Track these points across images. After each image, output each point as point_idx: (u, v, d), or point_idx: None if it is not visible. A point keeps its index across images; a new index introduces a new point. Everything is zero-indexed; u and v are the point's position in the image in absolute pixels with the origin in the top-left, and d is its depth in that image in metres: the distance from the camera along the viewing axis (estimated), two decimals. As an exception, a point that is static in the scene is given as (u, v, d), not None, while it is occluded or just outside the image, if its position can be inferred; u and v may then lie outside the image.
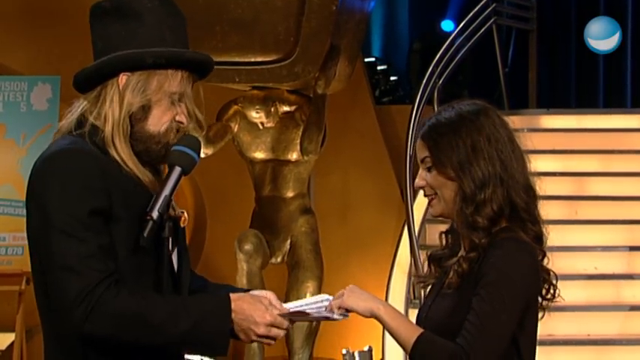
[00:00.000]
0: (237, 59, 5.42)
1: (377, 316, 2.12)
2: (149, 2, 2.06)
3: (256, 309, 2.02)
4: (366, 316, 2.13)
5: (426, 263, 2.31)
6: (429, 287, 2.31)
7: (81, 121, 2.04)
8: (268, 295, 2.10)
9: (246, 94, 5.83)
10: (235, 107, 5.81)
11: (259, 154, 5.82)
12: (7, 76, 6.08)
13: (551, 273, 2.19)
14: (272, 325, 2.03)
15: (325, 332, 6.09)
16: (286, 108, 5.78)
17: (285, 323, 2.06)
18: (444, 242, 2.29)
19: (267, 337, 2.04)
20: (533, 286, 2.13)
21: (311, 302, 2.15)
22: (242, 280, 5.45)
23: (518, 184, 2.15)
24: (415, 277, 2.33)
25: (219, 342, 1.98)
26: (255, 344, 5.69)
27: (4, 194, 5.58)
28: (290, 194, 5.81)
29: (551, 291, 2.18)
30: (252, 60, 5.45)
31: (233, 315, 1.99)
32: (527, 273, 2.11)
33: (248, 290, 2.21)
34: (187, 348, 2.04)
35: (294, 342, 5.87)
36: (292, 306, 2.11)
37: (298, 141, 5.67)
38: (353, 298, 2.13)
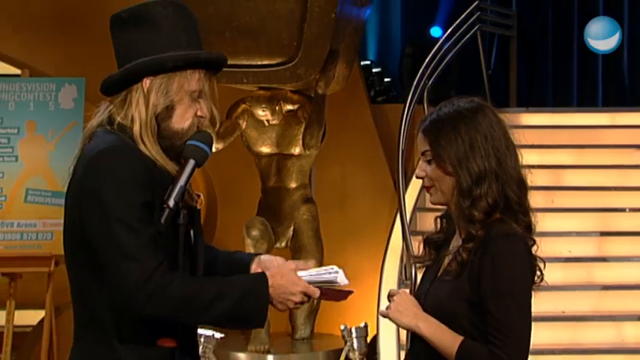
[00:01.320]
0: (245, 62, 5.42)
1: (417, 333, 2.11)
2: (163, 9, 2.05)
3: (291, 282, 2.03)
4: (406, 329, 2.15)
5: (421, 246, 2.29)
6: (424, 269, 2.29)
7: (110, 122, 2.04)
8: (288, 264, 2.13)
9: (253, 94, 5.83)
10: (243, 106, 5.81)
11: (265, 149, 5.81)
12: (37, 78, 6.08)
13: (539, 260, 2.17)
14: (305, 294, 2.05)
15: (325, 310, 6.09)
16: (290, 107, 5.77)
17: (317, 292, 2.06)
18: (438, 226, 2.26)
19: (301, 303, 2.06)
20: (532, 275, 2.13)
21: (321, 272, 2.13)
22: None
23: (512, 178, 2.13)
24: (412, 258, 2.31)
25: (259, 317, 2.01)
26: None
27: (35, 184, 5.59)
28: (293, 185, 5.81)
29: (539, 275, 2.17)
30: (259, 63, 5.45)
31: (271, 290, 2.01)
32: (527, 266, 2.10)
33: (257, 254, 2.23)
34: (230, 324, 2.04)
35: (297, 319, 5.88)
36: (305, 274, 2.10)
37: (301, 137, 5.66)
38: (397, 314, 2.13)
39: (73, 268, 2.04)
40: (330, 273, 2.12)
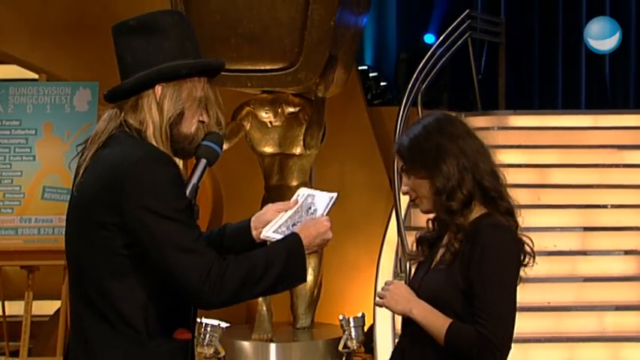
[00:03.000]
0: (249, 67, 5.41)
1: (410, 317, 2.16)
2: (170, 18, 2.04)
3: (317, 227, 2.08)
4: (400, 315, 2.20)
5: (414, 243, 2.33)
6: (417, 264, 2.33)
7: (127, 126, 2.00)
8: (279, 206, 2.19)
9: (256, 97, 5.82)
10: (247, 108, 5.81)
11: (268, 149, 5.81)
12: (53, 82, 6.08)
13: (528, 243, 2.21)
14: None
15: (325, 300, 6.10)
16: (291, 109, 5.77)
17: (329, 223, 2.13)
18: (430, 227, 2.30)
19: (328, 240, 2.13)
20: (519, 263, 2.16)
21: (298, 208, 2.17)
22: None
23: (484, 171, 2.17)
24: (407, 255, 2.37)
25: (303, 273, 2.05)
26: (264, 311, 5.70)
27: (52, 182, 5.58)
28: (294, 183, 5.81)
29: (528, 258, 2.21)
30: (262, 68, 5.44)
31: (305, 243, 2.05)
32: (514, 251, 2.14)
33: (249, 219, 2.24)
34: (280, 287, 2.05)
35: (298, 309, 5.88)
36: (286, 217, 2.16)
37: (302, 137, 5.66)
38: (392, 302, 2.18)
39: (93, 271, 1.97)
40: (305, 197, 2.18)
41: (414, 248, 2.32)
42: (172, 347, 1.98)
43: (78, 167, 2.04)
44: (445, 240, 2.21)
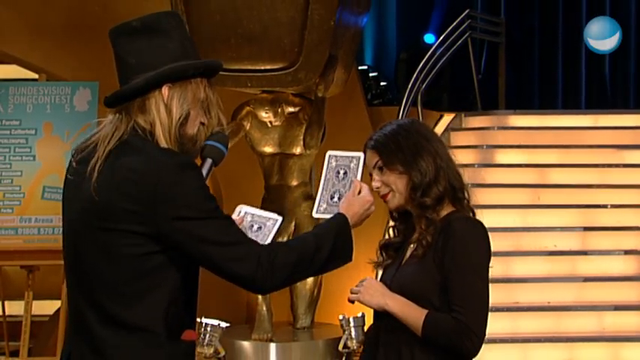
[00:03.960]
0: (249, 67, 5.41)
1: (386, 310, 2.21)
2: (172, 20, 2.04)
3: (361, 202, 2.19)
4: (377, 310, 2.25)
5: (378, 251, 2.45)
6: (383, 268, 2.41)
7: (140, 129, 1.98)
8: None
9: (256, 97, 5.82)
10: (247, 108, 5.80)
11: (268, 149, 5.81)
12: (53, 82, 6.08)
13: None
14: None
15: (325, 300, 6.09)
16: (291, 109, 5.77)
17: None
18: (392, 235, 2.40)
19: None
20: (490, 252, 2.22)
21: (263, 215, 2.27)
22: (281, 218, 5.41)
23: (452, 170, 2.28)
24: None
25: (350, 252, 2.14)
26: (264, 311, 5.70)
27: (51, 182, 5.58)
28: (294, 183, 5.81)
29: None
30: (262, 68, 5.44)
31: (352, 222, 2.15)
32: (486, 243, 2.21)
33: None
34: (330, 267, 2.11)
35: (298, 309, 5.88)
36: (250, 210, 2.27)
37: (301, 137, 5.66)
38: (367, 296, 2.27)
39: (105, 275, 1.94)
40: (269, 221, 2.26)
41: (378, 256, 2.41)
42: (186, 348, 1.99)
43: (78, 171, 1.99)
44: (415, 236, 2.28)
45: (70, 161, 2.06)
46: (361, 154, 2.28)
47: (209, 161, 2.06)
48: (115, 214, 1.91)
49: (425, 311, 2.15)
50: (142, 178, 1.89)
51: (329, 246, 2.06)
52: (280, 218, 2.26)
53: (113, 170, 1.92)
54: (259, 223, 2.25)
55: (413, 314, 2.16)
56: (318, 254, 2.03)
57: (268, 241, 2.22)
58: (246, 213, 2.27)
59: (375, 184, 2.29)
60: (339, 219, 2.14)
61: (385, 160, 2.28)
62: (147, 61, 1.98)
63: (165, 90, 1.98)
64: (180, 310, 1.97)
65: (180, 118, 1.99)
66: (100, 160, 1.94)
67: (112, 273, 1.93)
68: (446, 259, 2.15)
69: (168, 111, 1.98)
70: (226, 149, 2.10)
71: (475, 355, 2.16)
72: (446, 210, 2.25)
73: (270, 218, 2.26)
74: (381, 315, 2.25)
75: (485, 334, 2.16)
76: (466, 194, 2.28)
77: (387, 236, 2.40)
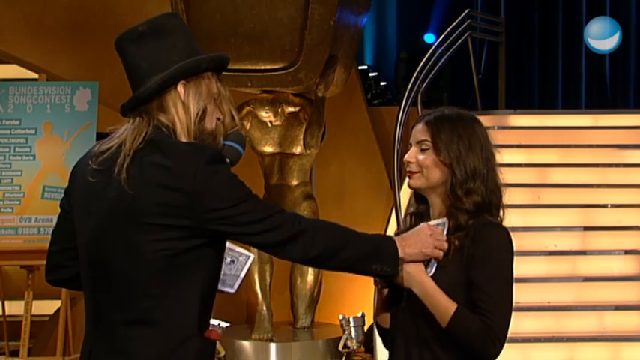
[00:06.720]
0: (249, 67, 5.42)
1: (418, 289, 2.14)
2: (177, 20, 2.06)
3: (422, 245, 2.13)
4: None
5: (408, 217, 2.35)
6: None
7: (161, 128, 1.99)
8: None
9: (257, 97, 5.82)
10: (248, 108, 5.81)
11: (268, 148, 5.81)
12: (54, 82, 6.08)
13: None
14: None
15: (325, 300, 6.10)
16: (291, 109, 5.77)
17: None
18: (407, 224, 2.32)
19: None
20: (513, 256, 2.20)
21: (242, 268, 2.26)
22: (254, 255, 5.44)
23: (495, 185, 2.22)
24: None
25: (392, 260, 2.09)
26: (264, 310, 5.70)
27: (51, 182, 5.58)
28: (294, 182, 5.81)
29: None
30: (262, 67, 5.45)
31: (402, 253, 2.10)
32: (511, 249, 2.18)
33: None
34: (369, 265, 2.12)
35: (298, 309, 5.88)
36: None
37: (302, 137, 5.66)
38: (409, 268, 2.16)
39: (135, 274, 1.93)
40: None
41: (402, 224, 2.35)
42: (211, 347, 2.00)
43: (100, 172, 1.98)
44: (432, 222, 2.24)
45: (87, 164, 2.04)
46: (445, 221, 2.17)
47: (227, 162, 2.06)
48: (149, 210, 1.90)
49: (455, 304, 2.12)
50: (179, 173, 1.90)
51: (371, 245, 2.09)
52: (252, 256, 2.25)
53: (143, 167, 1.93)
54: (232, 257, 2.23)
55: (443, 303, 2.12)
56: (359, 239, 2.09)
57: (241, 276, 2.20)
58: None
59: (410, 158, 2.21)
60: (387, 238, 2.14)
61: (434, 144, 2.18)
62: (159, 63, 2.00)
63: (180, 87, 2.00)
64: (207, 308, 1.99)
65: (198, 113, 2.00)
66: (128, 158, 1.94)
67: (143, 272, 1.92)
68: (476, 266, 2.12)
69: (185, 108, 1.99)
70: (243, 149, 2.11)
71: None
72: (477, 216, 2.19)
73: (242, 254, 2.24)
74: (404, 296, 2.20)
75: (505, 340, 2.15)
76: (501, 212, 2.22)
77: (402, 226, 2.35)
